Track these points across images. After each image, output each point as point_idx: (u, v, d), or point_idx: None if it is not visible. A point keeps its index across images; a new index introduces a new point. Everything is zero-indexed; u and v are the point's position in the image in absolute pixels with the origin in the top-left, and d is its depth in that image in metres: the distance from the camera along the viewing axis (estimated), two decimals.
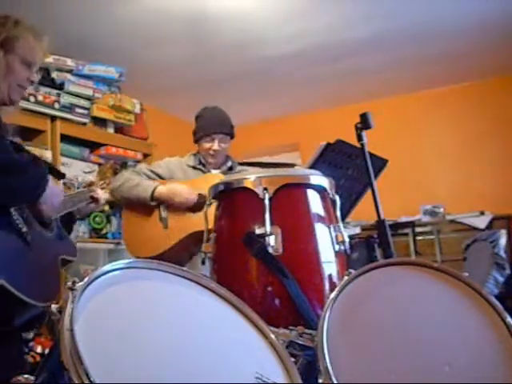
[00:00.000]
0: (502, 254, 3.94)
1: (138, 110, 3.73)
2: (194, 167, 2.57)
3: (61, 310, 0.88)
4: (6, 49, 1.47)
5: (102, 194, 2.10)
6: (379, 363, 1.03)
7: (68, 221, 1.83)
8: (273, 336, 1.09)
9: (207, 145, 2.54)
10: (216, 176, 2.35)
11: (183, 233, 2.35)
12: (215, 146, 2.52)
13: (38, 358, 2.35)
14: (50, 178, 1.49)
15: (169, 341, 0.95)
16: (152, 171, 2.55)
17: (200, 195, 2.37)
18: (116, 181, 2.51)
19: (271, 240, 1.35)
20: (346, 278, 1.17)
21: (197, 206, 2.37)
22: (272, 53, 4.23)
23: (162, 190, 2.41)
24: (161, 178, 2.54)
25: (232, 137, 2.62)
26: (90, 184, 2.22)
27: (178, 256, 2.31)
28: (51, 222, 1.58)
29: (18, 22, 1.51)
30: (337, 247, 1.44)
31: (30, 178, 1.39)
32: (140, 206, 2.46)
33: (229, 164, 2.63)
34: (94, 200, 2.04)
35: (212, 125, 2.56)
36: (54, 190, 1.51)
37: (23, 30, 1.51)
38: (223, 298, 1.14)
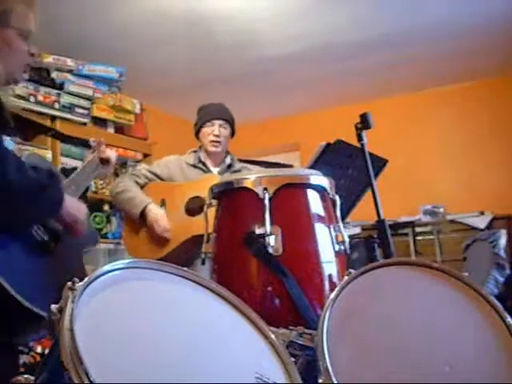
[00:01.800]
0: (502, 254, 3.94)
1: (138, 109, 3.74)
2: (194, 166, 2.58)
3: (61, 310, 0.88)
4: (0, 24, 1.36)
5: (111, 152, 1.92)
6: (379, 363, 1.03)
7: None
8: (273, 336, 1.09)
9: (208, 130, 2.57)
10: (214, 177, 2.35)
11: (183, 236, 2.35)
12: (216, 130, 2.56)
13: (38, 358, 2.35)
14: (67, 196, 1.39)
15: (169, 341, 0.95)
16: (151, 172, 2.57)
17: (198, 198, 2.36)
18: (116, 186, 2.53)
19: (271, 240, 1.35)
20: (345, 277, 1.17)
21: (196, 210, 2.37)
22: (272, 53, 4.23)
23: (150, 212, 2.43)
24: (159, 178, 2.55)
25: (232, 128, 2.65)
26: (94, 150, 1.92)
27: (179, 259, 2.30)
28: None
29: None
30: (337, 247, 1.44)
31: (42, 202, 1.30)
32: None
33: (228, 161, 2.63)
34: (105, 161, 1.87)
35: (212, 112, 2.62)
36: (72, 206, 1.42)
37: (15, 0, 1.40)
38: (223, 297, 1.14)
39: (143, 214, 2.44)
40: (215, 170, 2.60)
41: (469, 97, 5.08)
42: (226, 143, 2.62)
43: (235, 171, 2.60)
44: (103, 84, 3.51)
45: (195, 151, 2.65)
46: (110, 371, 0.82)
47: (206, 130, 2.58)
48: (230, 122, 2.63)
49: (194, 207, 2.38)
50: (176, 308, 1.05)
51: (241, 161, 2.70)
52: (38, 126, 2.57)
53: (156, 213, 2.43)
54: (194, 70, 4.45)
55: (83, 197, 1.71)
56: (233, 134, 2.67)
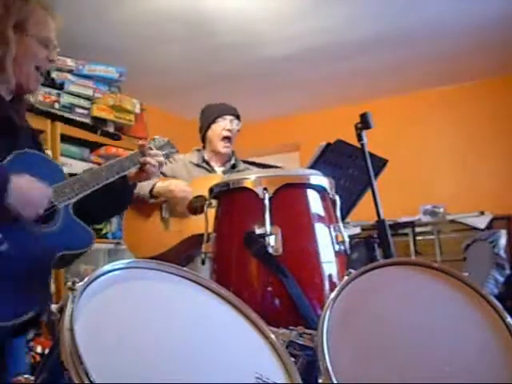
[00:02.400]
0: (502, 254, 3.94)
1: (138, 109, 3.73)
2: (198, 165, 2.56)
3: (61, 310, 0.88)
4: (20, 31, 1.37)
5: (152, 159, 1.67)
6: (379, 363, 1.03)
7: (118, 191, 1.63)
8: (273, 336, 1.09)
9: (220, 126, 2.53)
10: (219, 177, 2.35)
11: (184, 234, 2.34)
12: (228, 125, 2.52)
13: (38, 358, 2.35)
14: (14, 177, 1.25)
15: (169, 341, 0.95)
16: None
17: (201, 197, 2.36)
18: None
19: (271, 240, 1.35)
20: (346, 277, 1.17)
21: (198, 208, 2.36)
22: (272, 53, 4.23)
23: (160, 185, 2.38)
24: (163, 174, 2.53)
25: (240, 126, 2.62)
26: (141, 147, 1.70)
27: (178, 257, 2.30)
28: (53, 213, 1.40)
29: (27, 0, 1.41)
30: (337, 247, 1.44)
31: None
32: (142, 205, 2.45)
33: (232, 161, 2.62)
34: (143, 165, 1.66)
35: (221, 108, 2.58)
36: (20, 187, 1.26)
37: (33, 7, 1.41)
38: (223, 297, 1.14)
39: (152, 194, 2.37)
40: (219, 170, 2.59)
41: (469, 97, 5.08)
42: (234, 141, 2.59)
43: (239, 171, 2.58)
44: (103, 84, 3.51)
45: (198, 150, 2.63)
46: (110, 371, 0.82)
47: (217, 125, 2.53)
48: (239, 118, 2.60)
49: (197, 206, 2.37)
50: (176, 308, 1.05)
51: (244, 162, 2.69)
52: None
53: (167, 183, 2.36)
54: (194, 69, 4.45)
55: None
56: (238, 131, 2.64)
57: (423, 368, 1.03)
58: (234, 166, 2.61)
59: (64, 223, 1.42)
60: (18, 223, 1.30)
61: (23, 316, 1.26)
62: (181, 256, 2.35)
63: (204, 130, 2.61)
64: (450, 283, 1.20)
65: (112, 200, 1.65)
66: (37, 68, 1.45)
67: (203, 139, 2.64)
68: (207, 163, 2.58)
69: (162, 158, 1.72)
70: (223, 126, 2.53)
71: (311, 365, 1.05)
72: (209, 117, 2.59)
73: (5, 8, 1.35)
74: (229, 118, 2.55)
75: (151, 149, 1.71)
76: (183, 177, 2.51)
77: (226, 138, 2.54)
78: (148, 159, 1.66)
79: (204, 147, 2.63)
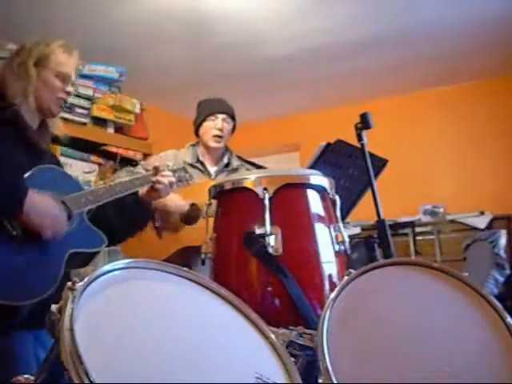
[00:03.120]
0: (502, 254, 3.94)
1: (138, 109, 3.73)
2: (192, 165, 2.54)
3: (61, 310, 0.88)
4: (40, 66, 1.63)
5: (164, 179, 1.86)
6: (379, 363, 1.03)
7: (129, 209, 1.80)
8: (273, 336, 1.09)
9: (211, 124, 2.52)
10: (210, 183, 2.30)
11: (178, 245, 2.28)
12: (219, 124, 2.50)
13: None
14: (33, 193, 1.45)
15: (168, 341, 0.95)
16: (146, 170, 2.50)
17: (195, 206, 2.31)
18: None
19: (271, 240, 1.35)
20: (346, 277, 1.17)
21: (192, 218, 2.32)
22: (272, 53, 4.23)
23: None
24: None
25: (234, 124, 2.60)
26: (155, 168, 1.90)
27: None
28: (69, 217, 1.57)
29: (48, 42, 1.68)
30: (337, 247, 1.44)
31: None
32: None
33: (225, 160, 2.59)
34: (155, 183, 1.85)
35: (215, 106, 2.56)
36: (37, 204, 1.46)
37: (54, 48, 1.68)
38: (223, 297, 1.14)
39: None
40: (213, 170, 2.57)
41: (469, 97, 5.08)
42: (227, 139, 2.58)
43: (233, 169, 2.57)
44: (103, 84, 3.51)
45: (193, 145, 2.61)
46: (110, 371, 0.82)
47: (208, 124, 2.52)
48: (233, 116, 2.58)
49: (190, 215, 2.32)
50: (176, 308, 1.05)
51: (240, 158, 2.65)
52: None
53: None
54: (194, 69, 4.45)
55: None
56: (233, 129, 2.62)
57: (423, 368, 1.03)
58: (227, 165, 2.58)
59: (78, 226, 1.60)
60: None
61: (38, 296, 1.40)
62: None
63: (196, 125, 2.59)
64: (450, 283, 1.20)
65: (126, 216, 1.82)
66: (57, 97, 1.68)
67: (197, 134, 2.62)
68: (201, 163, 2.55)
69: (172, 179, 1.89)
70: (214, 124, 2.51)
71: (311, 365, 1.05)
72: (201, 113, 2.57)
73: (28, 51, 1.64)
74: (221, 116, 2.52)
75: (164, 170, 1.90)
76: None
77: (217, 136, 2.52)
78: (160, 178, 1.85)
79: (198, 142, 2.61)
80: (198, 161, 2.56)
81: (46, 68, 1.65)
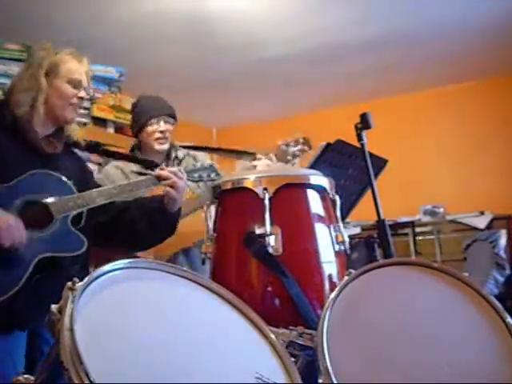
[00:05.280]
0: (502, 254, 3.94)
1: None
2: (140, 173, 2.32)
3: (61, 310, 0.88)
4: (51, 75, 1.67)
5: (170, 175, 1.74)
6: (379, 363, 1.03)
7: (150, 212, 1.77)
8: (273, 336, 1.09)
9: (154, 127, 2.39)
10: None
11: (178, 245, 2.21)
12: (162, 126, 2.39)
13: None
14: None
15: (169, 340, 0.95)
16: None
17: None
18: None
19: (271, 240, 1.35)
20: (346, 277, 1.17)
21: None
22: (272, 53, 4.23)
23: None
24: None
25: (175, 122, 2.48)
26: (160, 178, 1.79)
27: None
28: (51, 220, 1.58)
29: (57, 52, 1.72)
30: (337, 247, 1.44)
31: None
32: None
33: (173, 156, 2.46)
34: (160, 178, 1.75)
35: (155, 107, 2.46)
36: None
37: (63, 56, 1.71)
38: (223, 298, 1.14)
39: None
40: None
41: (469, 97, 5.07)
42: (169, 138, 2.43)
43: (179, 160, 2.45)
44: (103, 84, 3.50)
45: (132, 150, 2.48)
46: (110, 371, 0.82)
47: (151, 128, 2.39)
48: (174, 115, 2.48)
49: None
50: (176, 308, 1.05)
51: (185, 147, 2.54)
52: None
53: None
54: (194, 70, 4.45)
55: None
56: (175, 120, 2.49)
57: (423, 367, 1.03)
58: (174, 160, 2.46)
59: (57, 231, 1.59)
60: None
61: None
62: None
63: (136, 130, 2.47)
64: (450, 283, 1.20)
65: (152, 222, 1.78)
66: (70, 103, 1.71)
67: (136, 136, 2.49)
68: (150, 169, 2.39)
69: (176, 179, 1.75)
70: (156, 128, 2.39)
71: (311, 365, 1.05)
72: (141, 117, 2.44)
73: (38, 63, 1.68)
74: (164, 118, 2.42)
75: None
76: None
77: (162, 138, 2.40)
78: (163, 173, 1.77)
79: (140, 147, 2.47)
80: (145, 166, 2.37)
81: (57, 76, 1.69)
